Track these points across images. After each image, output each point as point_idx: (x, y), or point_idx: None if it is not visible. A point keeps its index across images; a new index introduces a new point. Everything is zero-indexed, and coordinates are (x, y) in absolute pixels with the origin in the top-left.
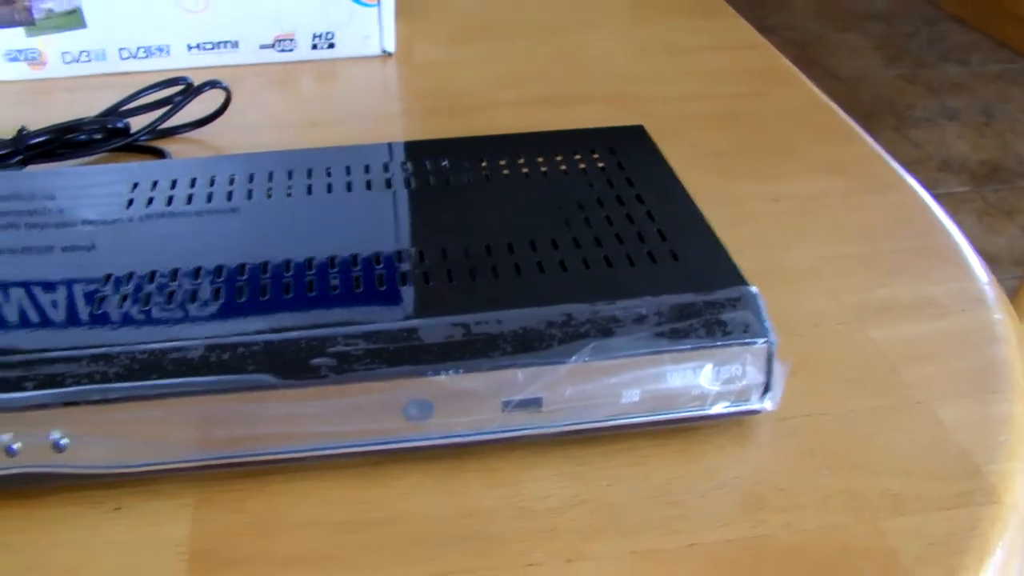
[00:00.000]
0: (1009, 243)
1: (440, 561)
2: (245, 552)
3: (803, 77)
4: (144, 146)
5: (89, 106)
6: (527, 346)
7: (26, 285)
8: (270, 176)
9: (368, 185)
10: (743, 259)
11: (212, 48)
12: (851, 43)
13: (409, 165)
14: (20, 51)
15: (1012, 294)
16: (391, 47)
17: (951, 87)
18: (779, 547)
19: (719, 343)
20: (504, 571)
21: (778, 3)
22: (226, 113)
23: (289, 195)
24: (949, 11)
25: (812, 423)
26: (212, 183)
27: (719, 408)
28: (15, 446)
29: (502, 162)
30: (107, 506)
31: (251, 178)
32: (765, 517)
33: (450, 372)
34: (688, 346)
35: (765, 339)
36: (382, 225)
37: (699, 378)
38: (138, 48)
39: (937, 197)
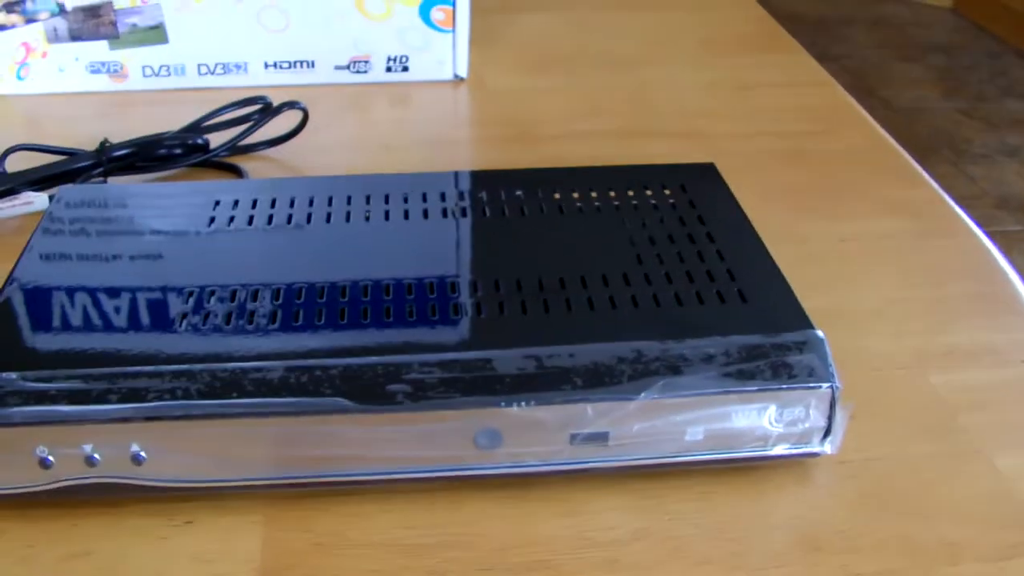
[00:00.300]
0: None
1: None
2: (313, 570)
3: (867, 116)
4: (221, 162)
5: (166, 119)
6: (597, 381)
7: (112, 299)
8: (348, 200)
9: (444, 213)
10: (809, 298)
11: (289, 67)
12: (911, 74)
13: (484, 194)
14: (103, 63)
15: None
16: (464, 73)
17: (1011, 123)
18: None
19: (784, 386)
20: None
21: (840, 32)
22: (301, 133)
23: (367, 219)
24: (1012, 44)
25: (871, 467)
26: (292, 204)
27: (780, 449)
28: (96, 456)
29: (575, 194)
30: (180, 519)
31: (329, 201)
32: (822, 559)
33: (521, 404)
34: (754, 388)
35: (829, 384)
36: (457, 253)
37: (763, 419)
38: (216, 64)
39: (992, 235)
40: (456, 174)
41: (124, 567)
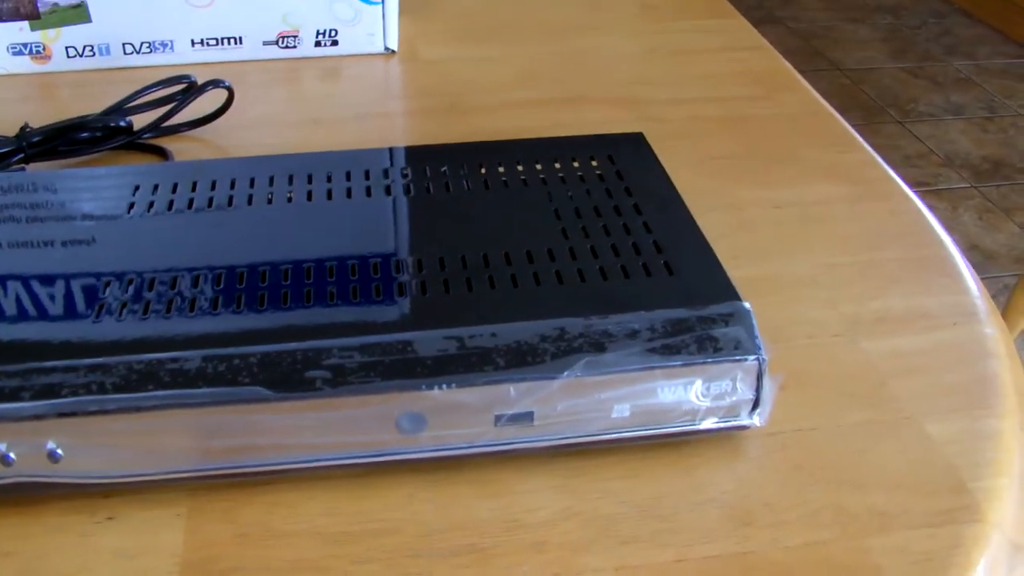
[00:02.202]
0: (1008, 240)
1: (432, 574)
2: (238, 562)
3: (804, 81)
4: (146, 144)
5: (92, 101)
6: (520, 361)
7: (24, 293)
8: (271, 181)
9: (368, 192)
10: (741, 266)
11: (216, 44)
12: (858, 35)
13: (408, 171)
14: (24, 44)
15: (1009, 292)
16: (395, 45)
17: (956, 81)
18: (765, 563)
19: (710, 360)
20: None
21: None
22: (228, 111)
23: (289, 200)
24: (957, 4)
25: (801, 437)
26: (213, 187)
27: (708, 423)
28: (11, 455)
29: (501, 169)
30: (101, 515)
31: (252, 182)
32: (752, 533)
33: (443, 386)
34: (679, 362)
35: (756, 356)
36: (380, 233)
37: (689, 394)
38: (142, 43)
39: (938, 193)
40: (380, 151)
41: (45, 567)
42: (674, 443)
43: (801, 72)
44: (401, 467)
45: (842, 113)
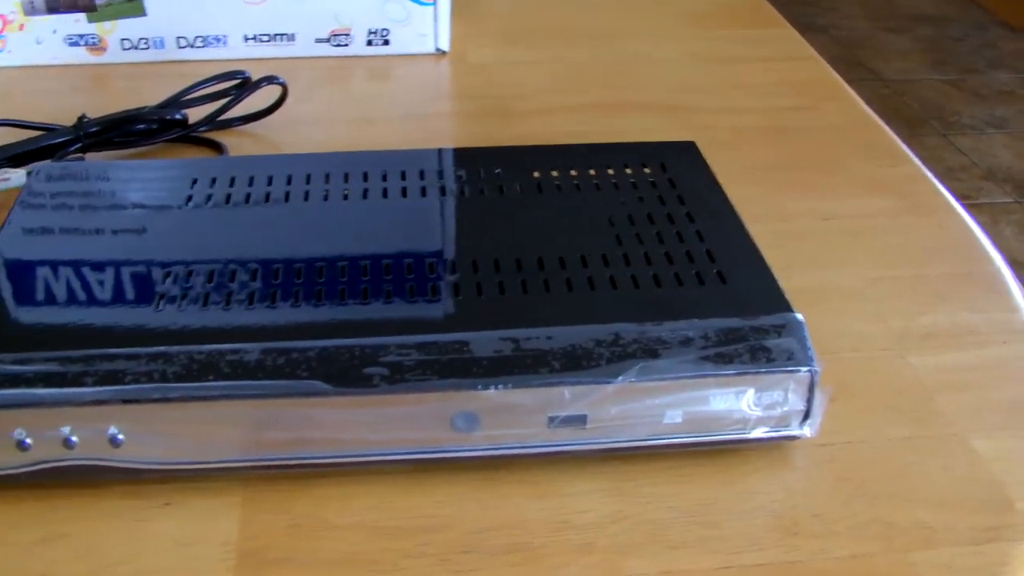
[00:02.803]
0: None
1: (481, 571)
2: (290, 552)
3: (851, 91)
4: (200, 137)
5: (145, 93)
6: (575, 364)
7: (90, 278)
8: (326, 178)
9: (423, 192)
10: (791, 277)
11: (268, 40)
12: (899, 45)
13: (463, 173)
14: (80, 36)
15: None
16: (445, 46)
17: (999, 94)
18: (812, 573)
19: (762, 370)
20: None
21: (828, 3)
22: (281, 107)
23: (345, 198)
24: (998, 16)
25: (849, 450)
26: (270, 183)
27: (759, 432)
28: (74, 438)
29: (554, 173)
30: (157, 501)
31: (308, 179)
32: (799, 543)
33: (498, 387)
34: (732, 371)
35: (808, 368)
36: (436, 233)
37: (741, 402)
38: (195, 37)
39: (979, 207)
40: (436, 151)
41: (101, 549)
42: (723, 451)
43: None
44: (453, 465)
45: (886, 123)
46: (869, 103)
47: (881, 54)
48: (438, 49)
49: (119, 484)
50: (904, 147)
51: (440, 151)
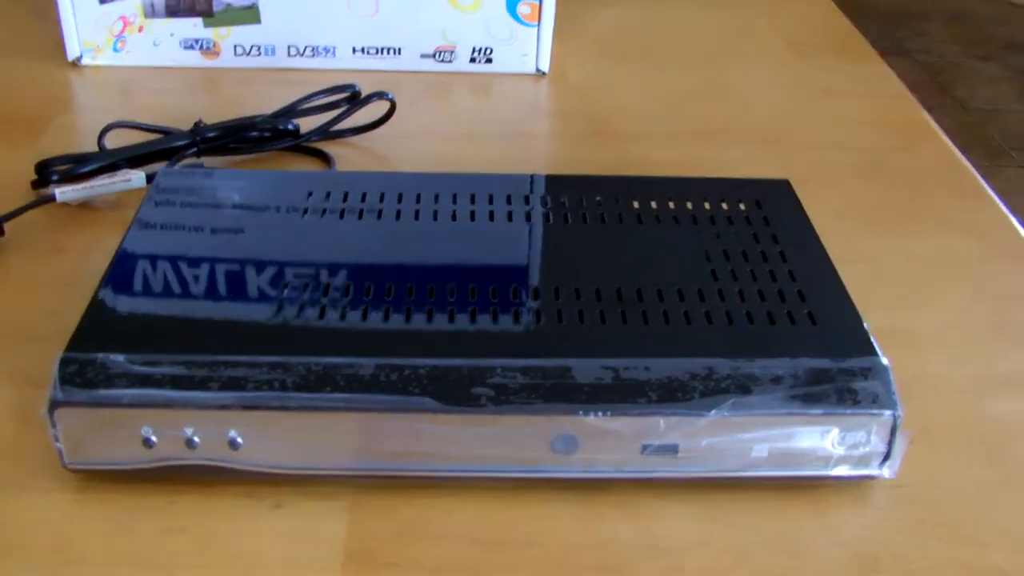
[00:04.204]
0: None
1: None
2: (395, 558)
3: (941, 132)
4: (310, 148)
5: (254, 98)
6: (670, 396)
7: (212, 285)
8: (436, 198)
9: (528, 217)
10: (875, 317)
11: (376, 53)
12: (986, 72)
13: (566, 199)
14: (196, 40)
15: None
16: (546, 67)
17: None
18: None
19: (848, 411)
20: None
21: (916, 26)
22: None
23: (454, 219)
24: None
25: (926, 492)
26: (381, 199)
27: (840, 471)
28: (196, 439)
29: (653, 204)
30: (270, 502)
31: (418, 198)
32: None
33: (598, 413)
34: (819, 411)
35: (892, 411)
36: (539, 259)
37: (825, 441)
38: (306, 47)
39: None
40: (541, 178)
41: (216, 543)
42: (806, 486)
43: (925, 108)
44: (550, 484)
45: (964, 152)
46: (951, 131)
47: (967, 81)
48: (539, 70)
49: (234, 484)
50: (990, 190)
51: (544, 177)
